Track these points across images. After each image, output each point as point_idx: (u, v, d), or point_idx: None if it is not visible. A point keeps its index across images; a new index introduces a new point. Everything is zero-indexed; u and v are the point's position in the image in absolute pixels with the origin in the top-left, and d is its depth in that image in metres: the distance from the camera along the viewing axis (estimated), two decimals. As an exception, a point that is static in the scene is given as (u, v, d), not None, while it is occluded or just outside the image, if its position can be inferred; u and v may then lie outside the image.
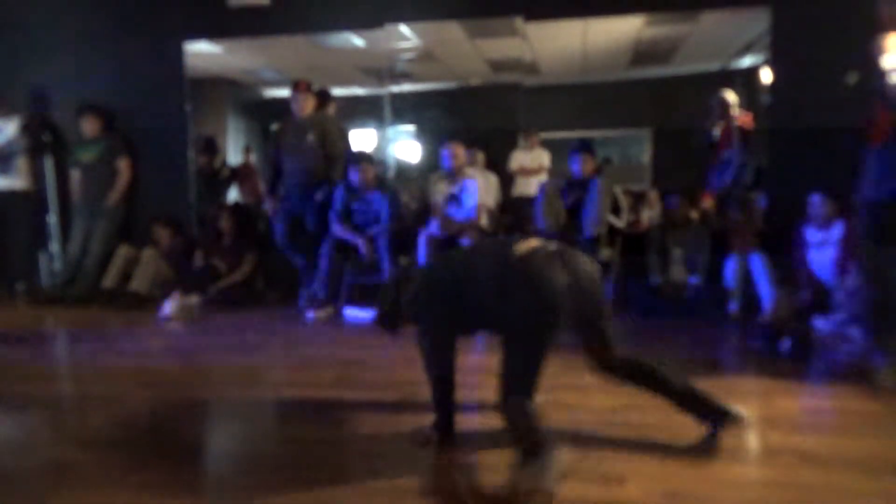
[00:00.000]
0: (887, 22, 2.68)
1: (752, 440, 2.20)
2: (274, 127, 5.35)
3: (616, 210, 4.44)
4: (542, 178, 6.07)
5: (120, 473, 1.90)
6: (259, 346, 3.67)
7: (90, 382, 2.97)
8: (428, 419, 2.14)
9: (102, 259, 5.35)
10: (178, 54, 5.63)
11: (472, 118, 6.36)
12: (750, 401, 2.60)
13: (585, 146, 4.59)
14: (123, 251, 5.27)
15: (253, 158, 6.83)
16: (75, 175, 5.56)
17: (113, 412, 2.49)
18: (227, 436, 2.36)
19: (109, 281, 5.18)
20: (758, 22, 4.82)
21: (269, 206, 5.10)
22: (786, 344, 3.17)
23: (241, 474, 1.93)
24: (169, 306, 4.58)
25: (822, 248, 4.04)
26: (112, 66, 5.70)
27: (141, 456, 2.03)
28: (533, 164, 6.03)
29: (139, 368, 3.17)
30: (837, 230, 3.92)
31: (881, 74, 2.65)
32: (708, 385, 2.71)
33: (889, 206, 2.76)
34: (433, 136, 6.02)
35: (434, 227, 4.57)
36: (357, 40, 5.66)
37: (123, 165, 5.52)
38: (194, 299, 4.89)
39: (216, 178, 6.24)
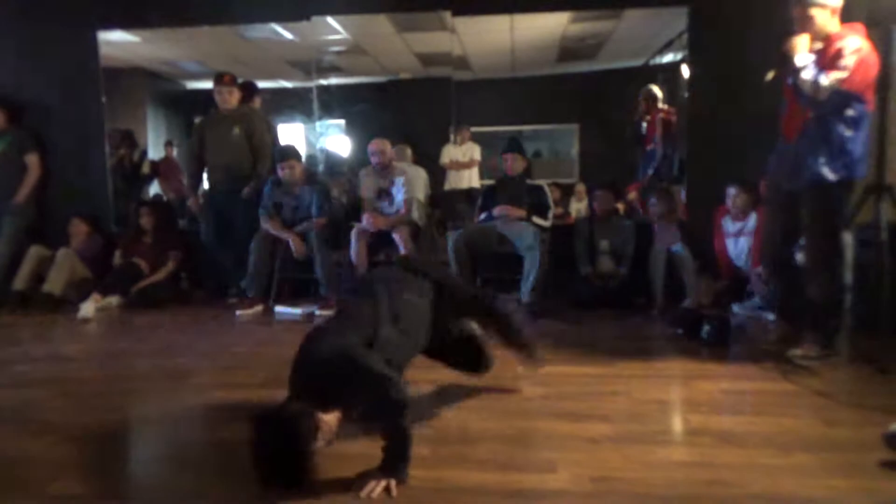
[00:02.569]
0: (798, 21, 2.81)
1: (676, 423, 2.30)
2: (197, 120, 5.18)
3: (542, 209, 4.50)
4: (474, 171, 6.13)
5: (38, 485, 1.80)
6: (185, 347, 3.54)
7: (3, 391, 2.80)
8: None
9: (11, 259, 5.04)
10: (92, 43, 5.35)
11: (403, 112, 6.33)
12: (672, 384, 2.72)
13: (515, 146, 4.66)
14: (35, 251, 4.98)
15: (175, 153, 6.58)
16: (-21, 171, 5.22)
17: (28, 422, 2.35)
18: (153, 442, 2.27)
19: (20, 283, 4.88)
20: (677, 20, 5.00)
21: (192, 202, 4.93)
22: (706, 329, 3.31)
23: (168, 480, 1.86)
24: (86, 308, 4.37)
25: (738, 238, 4.25)
26: (19, 54, 5.37)
27: (60, 466, 1.93)
28: (464, 158, 6.07)
29: (56, 375, 3.00)
30: (752, 220, 4.13)
31: (795, 71, 2.76)
32: (633, 369, 2.83)
33: (804, 197, 2.89)
34: (363, 131, 5.96)
35: (365, 221, 4.53)
36: (284, 32, 5.53)
37: (33, 160, 5.22)
38: (114, 300, 4.69)
39: (136, 174, 5.98)
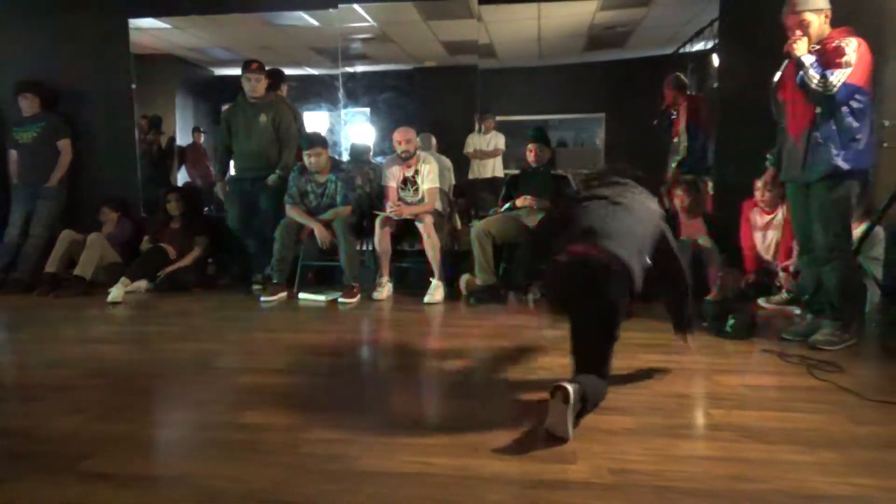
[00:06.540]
0: (794, 28, 3.03)
1: (698, 417, 2.28)
2: (225, 107, 5.23)
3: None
4: (498, 161, 6.11)
5: (69, 463, 1.85)
6: (211, 331, 3.60)
7: (35, 371, 2.88)
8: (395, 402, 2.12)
9: (44, 243, 5.16)
10: (123, 30, 5.43)
11: (428, 101, 6.32)
12: (695, 378, 2.69)
13: (539, 135, 4.63)
14: (66, 235, 5.09)
15: (202, 139, 6.66)
16: (13, 156, 5.34)
17: (59, 401, 2.41)
18: (179, 423, 2.31)
19: (52, 265, 5.00)
20: (708, 8, 4.92)
21: (220, 189, 4.99)
22: (730, 323, 3.27)
23: (193, 461, 1.90)
24: (115, 292, 4.46)
25: (766, 231, 4.18)
26: (52, 41, 5.47)
27: (91, 445, 1.98)
28: (489, 147, 6.05)
29: (86, 356, 3.08)
30: (780, 214, 4.06)
31: (802, 69, 2.92)
32: (655, 362, 2.81)
33: (817, 187, 3.05)
34: (388, 119, 5.96)
35: (390, 210, 4.55)
36: (310, 20, 5.55)
37: (65, 146, 5.32)
38: (142, 284, 4.78)
39: (164, 160, 6.07)
